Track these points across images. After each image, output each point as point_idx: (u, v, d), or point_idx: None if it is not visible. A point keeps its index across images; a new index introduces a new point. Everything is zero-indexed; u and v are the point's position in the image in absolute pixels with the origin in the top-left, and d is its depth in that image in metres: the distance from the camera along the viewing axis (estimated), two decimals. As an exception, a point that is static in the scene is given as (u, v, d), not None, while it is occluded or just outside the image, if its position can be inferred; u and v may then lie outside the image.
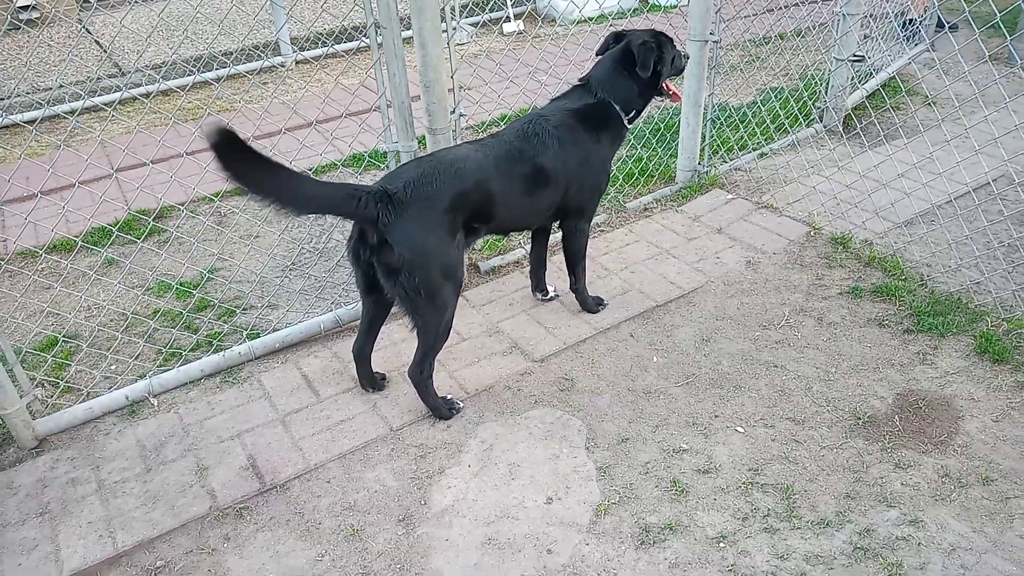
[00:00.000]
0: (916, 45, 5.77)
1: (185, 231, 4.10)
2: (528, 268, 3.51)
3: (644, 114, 3.21)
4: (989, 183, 3.75)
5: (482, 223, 2.83)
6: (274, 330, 3.28)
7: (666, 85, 3.21)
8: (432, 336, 2.73)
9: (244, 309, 3.47)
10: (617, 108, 3.06)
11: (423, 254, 2.56)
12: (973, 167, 3.77)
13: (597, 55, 3.20)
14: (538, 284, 3.48)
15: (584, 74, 3.14)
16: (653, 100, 3.25)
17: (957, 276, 3.49)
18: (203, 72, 6.15)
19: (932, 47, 5.80)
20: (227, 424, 2.87)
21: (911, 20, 5.72)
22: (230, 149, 2.21)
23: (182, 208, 3.64)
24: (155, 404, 2.98)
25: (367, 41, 3.02)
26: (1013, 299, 3.31)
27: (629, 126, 3.15)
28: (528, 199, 2.93)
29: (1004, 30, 3.51)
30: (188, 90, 5.96)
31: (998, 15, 3.27)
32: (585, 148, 3.01)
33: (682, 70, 3.30)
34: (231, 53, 6.60)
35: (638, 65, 3.00)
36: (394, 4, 2.91)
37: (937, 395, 2.88)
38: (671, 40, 3.18)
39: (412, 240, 2.54)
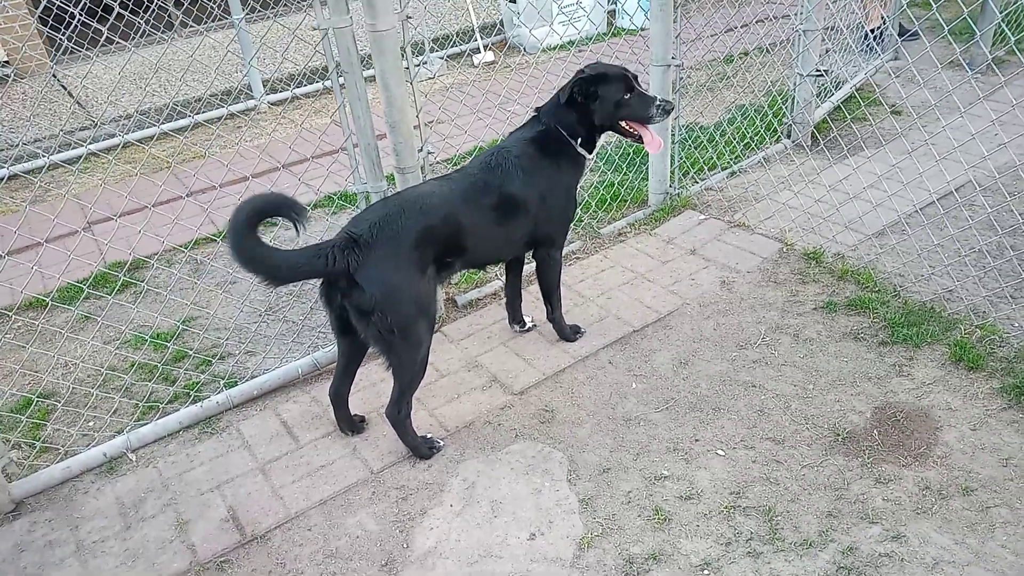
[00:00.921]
0: (879, 56, 5.86)
1: (160, 282, 4.09)
2: (505, 300, 3.52)
3: (599, 144, 3.17)
4: (952, 192, 3.79)
5: (455, 257, 2.85)
6: (252, 377, 3.27)
7: (628, 125, 3.09)
8: (408, 374, 2.73)
9: (221, 357, 3.46)
10: (565, 134, 3.04)
11: (394, 293, 2.57)
12: (939, 175, 3.81)
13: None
14: (515, 316, 3.49)
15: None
16: (611, 135, 3.19)
17: (929, 285, 3.52)
18: (176, 119, 6.18)
19: (896, 55, 5.89)
20: (207, 476, 2.85)
21: (871, 31, 5.81)
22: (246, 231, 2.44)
23: (151, 261, 3.64)
24: (134, 459, 2.96)
25: (329, 84, 3.05)
26: (985, 305, 3.33)
27: (586, 153, 3.09)
28: (499, 229, 2.94)
29: (951, 39, 3.58)
30: (161, 139, 5.97)
31: (946, 27, 3.33)
32: (547, 175, 3.02)
33: (648, 119, 3.06)
34: (202, 99, 6.64)
35: (561, 91, 2.99)
36: (354, 47, 2.94)
37: (914, 406, 2.90)
38: (626, 79, 3.02)
39: (381, 280, 2.55)
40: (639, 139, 3.12)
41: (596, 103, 3.00)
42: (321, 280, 2.68)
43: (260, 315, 3.78)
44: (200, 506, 2.72)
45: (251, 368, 3.39)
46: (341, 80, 3.02)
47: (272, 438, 3.00)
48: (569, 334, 3.40)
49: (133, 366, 3.40)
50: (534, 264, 3.26)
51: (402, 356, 2.68)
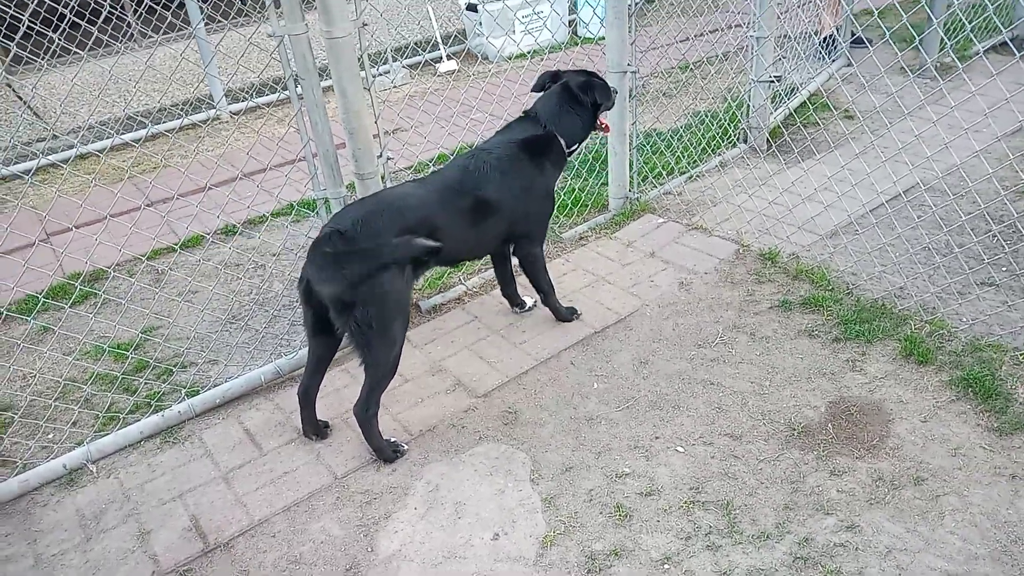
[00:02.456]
0: (834, 61, 6.01)
1: (121, 292, 4.05)
2: (499, 289, 3.61)
3: (583, 146, 3.39)
4: (901, 193, 3.90)
5: (430, 256, 2.90)
6: (214, 385, 3.25)
7: (600, 119, 3.40)
8: (382, 371, 2.76)
9: (183, 367, 3.44)
10: (561, 140, 3.23)
11: (376, 288, 2.62)
12: (888, 177, 3.91)
13: (534, 91, 3.40)
14: (513, 300, 3.61)
15: (529, 108, 3.30)
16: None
17: (881, 283, 3.62)
18: (137, 129, 6.12)
19: (848, 62, 6.04)
20: (168, 485, 2.83)
21: (827, 37, 5.96)
22: None
23: (110, 271, 3.62)
24: (94, 471, 2.92)
25: (287, 93, 3.06)
26: (934, 301, 3.43)
27: (569, 157, 3.33)
28: (474, 230, 3.04)
29: (893, 44, 3.70)
30: (121, 149, 5.90)
31: (887, 33, 3.44)
32: (528, 176, 3.14)
33: (612, 104, 3.51)
34: (164, 109, 6.58)
35: (598, 97, 3.27)
36: (310, 53, 2.96)
37: (867, 400, 2.98)
38: (602, 78, 3.40)
39: (365, 274, 2.59)
40: (606, 128, 3.49)
41: (604, 101, 3.32)
42: (301, 278, 2.73)
43: (222, 324, 3.76)
44: (162, 516, 2.70)
45: (213, 377, 3.37)
46: (299, 89, 3.03)
47: (235, 446, 2.99)
48: (566, 315, 3.51)
49: (93, 377, 3.36)
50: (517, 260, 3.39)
51: (377, 352, 2.71)
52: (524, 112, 3.30)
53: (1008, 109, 3.40)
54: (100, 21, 3.73)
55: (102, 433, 3.04)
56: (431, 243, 2.72)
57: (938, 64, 5.58)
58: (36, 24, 3.85)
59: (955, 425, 2.82)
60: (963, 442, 2.74)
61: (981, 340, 3.18)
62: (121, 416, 3.11)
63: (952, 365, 3.08)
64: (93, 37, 3.79)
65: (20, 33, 3.02)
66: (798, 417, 2.92)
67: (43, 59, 5.16)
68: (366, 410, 2.78)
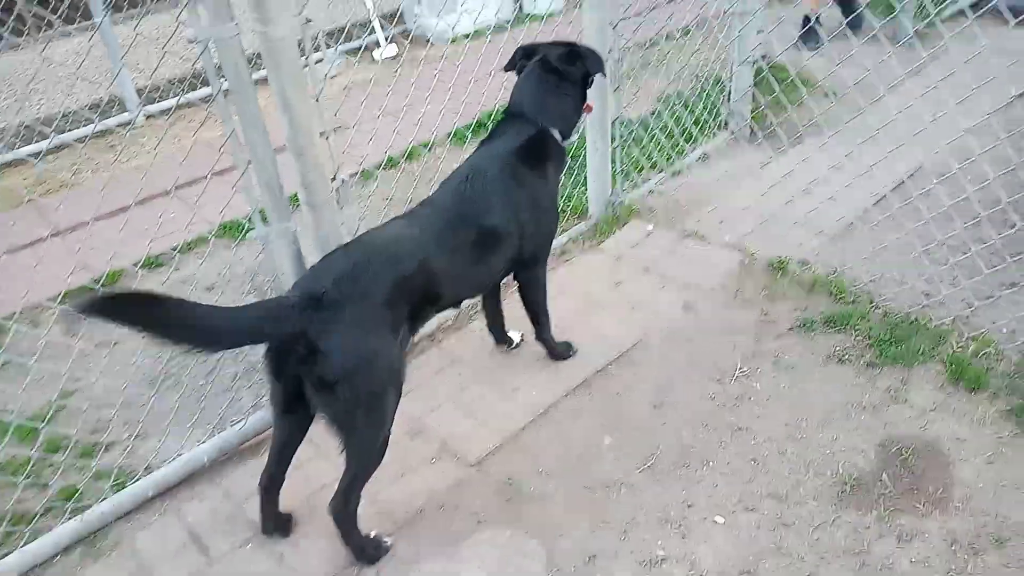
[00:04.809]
0: (817, 40, 5.59)
1: (24, 349, 3.38)
2: (486, 324, 3.14)
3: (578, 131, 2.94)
4: (903, 181, 3.52)
5: (430, 306, 2.44)
6: (146, 470, 2.67)
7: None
8: (368, 457, 2.26)
9: (106, 448, 2.82)
10: (556, 134, 2.74)
11: (366, 361, 2.11)
12: (890, 163, 3.49)
13: (506, 70, 2.92)
14: (500, 337, 3.14)
15: (511, 103, 2.79)
16: None
17: (903, 289, 3.22)
18: (36, 141, 5.33)
19: (819, 41, 5.64)
20: (94, 616, 2.26)
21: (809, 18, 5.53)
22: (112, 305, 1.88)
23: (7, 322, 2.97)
24: (-6, 603, 2.33)
25: (209, 95, 2.46)
26: (965, 308, 3.05)
27: (566, 147, 2.84)
28: (480, 267, 2.57)
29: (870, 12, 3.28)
30: (15, 166, 5.13)
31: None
32: (533, 190, 2.66)
33: (603, 72, 2.99)
34: (68, 114, 5.80)
35: (590, 66, 2.80)
36: (243, 62, 2.36)
37: (920, 439, 2.59)
38: (587, 46, 2.91)
39: (353, 346, 2.09)
40: (587, 108, 2.94)
41: (591, 81, 2.86)
42: (268, 347, 2.15)
43: (151, 382, 3.14)
44: (87, 661, 2.14)
45: (145, 457, 2.78)
46: (229, 103, 2.45)
47: (176, 553, 2.42)
48: (562, 352, 3.05)
49: (-9, 469, 2.74)
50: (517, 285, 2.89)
51: (364, 436, 2.21)
52: (506, 111, 2.79)
53: (997, 81, 3.03)
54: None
55: (3, 550, 2.43)
56: None
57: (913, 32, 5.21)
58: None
59: (1025, 465, 2.45)
60: (1040, 487, 2.38)
61: (1032, 356, 2.82)
62: (27, 527, 2.48)
63: (1008, 390, 2.71)
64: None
65: None
66: (846, 466, 2.52)
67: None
68: (346, 504, 2.26)
